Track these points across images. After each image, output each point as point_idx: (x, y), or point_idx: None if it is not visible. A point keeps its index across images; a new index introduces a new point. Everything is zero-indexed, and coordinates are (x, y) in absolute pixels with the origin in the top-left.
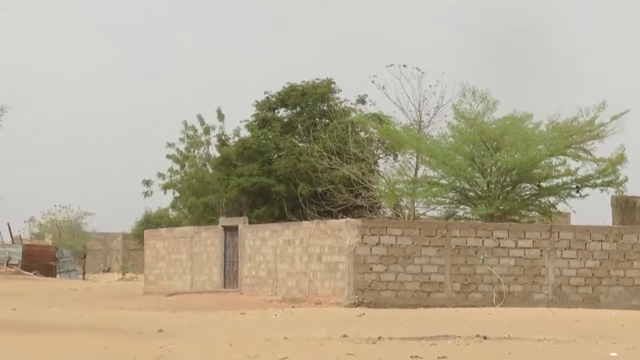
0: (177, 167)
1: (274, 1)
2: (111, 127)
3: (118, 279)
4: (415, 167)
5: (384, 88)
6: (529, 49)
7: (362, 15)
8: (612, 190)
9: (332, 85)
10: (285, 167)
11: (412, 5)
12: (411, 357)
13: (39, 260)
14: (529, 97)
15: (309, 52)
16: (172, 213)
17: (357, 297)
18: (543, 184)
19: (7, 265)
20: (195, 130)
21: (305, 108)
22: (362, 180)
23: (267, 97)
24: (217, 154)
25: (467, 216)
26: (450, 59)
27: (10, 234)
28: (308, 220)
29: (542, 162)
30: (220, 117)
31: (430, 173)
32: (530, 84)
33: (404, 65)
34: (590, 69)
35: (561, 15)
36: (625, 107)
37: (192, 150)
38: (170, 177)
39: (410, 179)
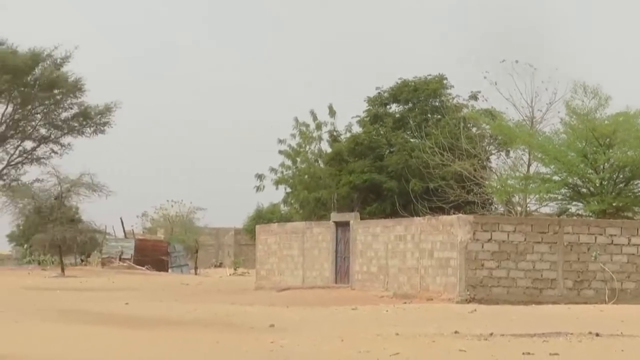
0: (288, 162)
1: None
2: (224, 123)
3: (230, 274)
4: (527, 163)
5: (496, 84)
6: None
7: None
8: None
9: (444, 81)
10: (397, 163)
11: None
12: (523, 353)
13: (151, 254)
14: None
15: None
16: (284, 208)
17: (468, 293)
18: None
19: (120, 259)
20: (308, 126)
21: (417, 104)
22: (474, 177)
23: (379, 93)
24: (329, 150)
25: (580, 213)
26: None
27: (123, 228)
28: (419, 216)
29: None
30: (332, 113)
31: (543, 169)
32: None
33: (517, 61)
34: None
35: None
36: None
37: (304, 145)
38: (282, 172)
39: (522, 175)
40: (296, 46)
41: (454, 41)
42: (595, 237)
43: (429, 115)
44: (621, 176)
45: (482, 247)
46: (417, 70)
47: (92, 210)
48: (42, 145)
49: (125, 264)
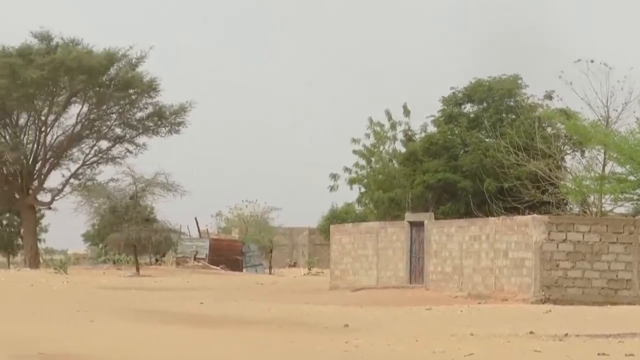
0: (362, 162)
1: None
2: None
3: (304, 274)
4: (602, 163)
5: (571, 84)
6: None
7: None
8: None
9: (519, 81)
10: (472, 163)
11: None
12: (598, 354)
13: (226, 254)
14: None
15: None
16: (358, 208)
17: (543, 293)
18: None
19: (195, 259)
20: (382, 126)
21: (492, 103)
22: (549, 177)
23: (454, 93)
24: (403, 150)
25: None
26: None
27: (198, 228)
28: (494, 216)
29: None
30: (406, 112)
31: (618, 169)
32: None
33: (592, 61)
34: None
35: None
36: None
37: (378, 145)
38: (357, 172)
39: (597, 175)
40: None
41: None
42: None
43: (503, 114)
44: None
45: (557, 247)
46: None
47: (166, 210)
48: (117, 145)
49: (199, 264)
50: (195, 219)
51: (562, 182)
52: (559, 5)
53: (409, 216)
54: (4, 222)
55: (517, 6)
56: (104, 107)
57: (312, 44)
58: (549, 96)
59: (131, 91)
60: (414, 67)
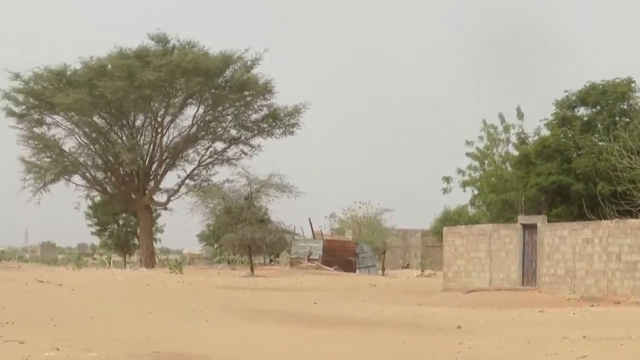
0: (476, 164)
1: None
2: (408, 124)
3: (417, 275)
4: None
5: None
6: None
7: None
8: None
9: (632, 84)
10: (585, 166)
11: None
12: None
13: (339, 255)
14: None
15: None
16: (471, 210)
17: None
18: None
19: (308, 259)
20: (495, 129)
21: (605, 107)
22: None
23: (567, 96)
24: (516, 153)
25: None
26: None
27: (312, 229)
28: (607, 219)
29: None
30: (520, 115)
31: None
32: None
33: None
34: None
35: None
36: None
37: (491, 148)
38: (470, 174)
39: None
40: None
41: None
42: None
43: (617, 118)
44: None
45: None
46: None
47: (281, 211)
48: (232, 146)
49: (313, 264)
50: (309, 220)
51: None
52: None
53: (522, 219)
54: (121, 222)
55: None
56: (220, 108)
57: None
58: None
59: (246, 93)
60: (526, 70)
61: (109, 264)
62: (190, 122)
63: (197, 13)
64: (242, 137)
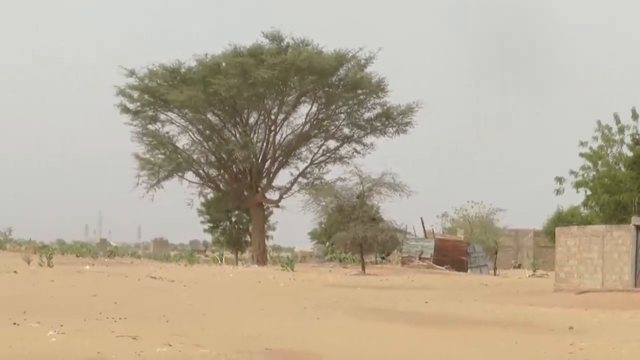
0: (589, 165)
1: None
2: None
3: (528, 276)
4: None
5: None
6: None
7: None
8: None
9: None
10: None
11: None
12: None
13: (451, 254)
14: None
15: None
16: (584, 211)
17: None
18: None
19: (420, 258)
20: (610, 129)
21: None
22: None
23: None
24: (630, 153)
25: None
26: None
27: (423, 228)
28: None
29: None
30: (635, 116)
31: None
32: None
33: None
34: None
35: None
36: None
37: (605, 149)
38: (583, 175)
39: None
40: None
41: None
42: None
43: None
44: None
45: None
46: None
47: (392, 210)
48: (345, 145)
49: (424, 263)
50: (421, 219)
51: None
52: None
53: (635, 220)
54: (233, 219)
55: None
56: (333, 107)
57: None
58: None
59: (359, 91)
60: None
61: (221, 261)
62: (304, 120)
63: (310, 12)
64: (355, 136)
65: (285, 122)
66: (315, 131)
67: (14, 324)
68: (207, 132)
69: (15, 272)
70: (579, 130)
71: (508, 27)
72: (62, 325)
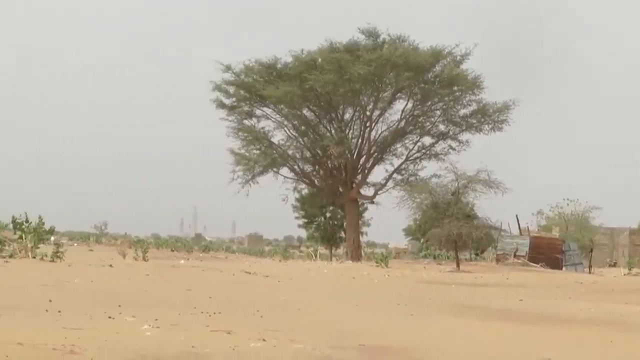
0: None
1: None
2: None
3: (624, 274)
4: None
5: None
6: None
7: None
8: None
9: None
10: None
11: None
12: None
13: (546, 252)
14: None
15: None
16: None
17: None
18: None
19: (515, 256)
20: None
21: None
22: None
23: None
24: None
25: None
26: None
27: (519, 225)
28: None
29: None
30: None
31: None
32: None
33: None
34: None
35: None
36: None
37: None
38: None
39: None
40: None
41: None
42: None
43: None
44: None
45: None
46: None
47: (487, 207)
48: (440, 142)
49: (519, 261)
50: (516, 216)
51: None
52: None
53: None
54: (328, 215)
55: None
56: (428, 103)
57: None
58: None
59: (455, 88)
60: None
61: (315, 256)
62: (399, 117)
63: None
64: (450, 132)
65: (381, 118)
66: (411, 127)
67: (109, 317)
68: (303, 127)
69: (110, 265)
70: None
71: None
72: (156, 319)
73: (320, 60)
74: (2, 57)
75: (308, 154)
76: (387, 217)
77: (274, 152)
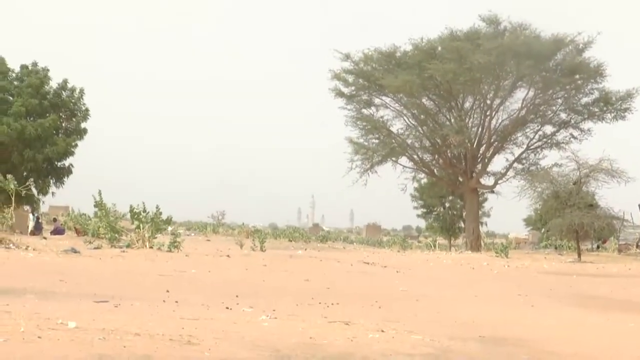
0: None
1: None
2: None
3: None
4: None
5: None
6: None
7: None
8: None
9: None
10: None
11: None
12: None
13: None
14: None
15: None
16: None
17: None
18: None
19: (638, 246)
20: None
21: None
22: None
23: None
24: None
25: None
26: None
27: None
28: None
29: None
30: None
31: None
32: None
33: None
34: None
35: None
36: None
37: None
38: None
39: None
40: None
41: None
42: None
43: None
44: None
45: None
46: None
47: (610, 197)
48: (561, 130)
49: None
50: (639, 205)
51: None
52: None
53: None
54: (447, 204)
55: None
56: (550, 92)
57: None
58: None
59: (577, 77)
60: None
61: (434, 247)
62: (520, 105)
63: None
64: (572, 121)
65: (501, 107)
66: (532, 116)
67: (227, 308)
68: (422, 116)
69: (228, 256)
70: None
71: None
72: (274, 310)
73: (440, 48)
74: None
75: (427, 143)
76: (508, 207)
77: (393, 141)
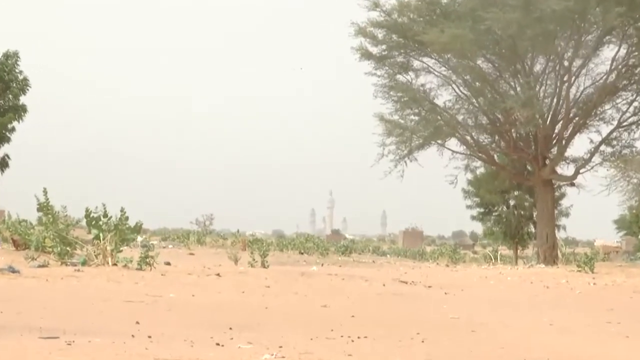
0: None
1: None
2: None
3: None
4: None
5: None
6: None
7: None
8: None
9: None
10: None
11: None
12: None
13: None
14: None
15: None
16: None
17: None
18: None
19: None
20: None
21: None
22: None
23: None
24: None
25: None
26: None
27: None
28: None
29: None
30: None
31: None
32: None
33: None
34: None
35: None
36: None
37: None
38: None
39: None
40: None
41: None
42: None
43: None
44: None
45: None
46: None
47: None
48: None
49: None
50: None
51: None
52: None
53: None
54: (512, 202)
55: None
56: None
57: None
58: None
59: None
60: None
61: (495, 259)
62: (608, 68)
63: None
64: None
65: (583, 70)
66: (624, 82)
67: (218, 344)
68: (477, 84)
69: (218, 275)
70: None
71: None
72: (281, 347)
73: None
74: None
75: (485, 120)
76: (593, 204)
77: (439, 117)
